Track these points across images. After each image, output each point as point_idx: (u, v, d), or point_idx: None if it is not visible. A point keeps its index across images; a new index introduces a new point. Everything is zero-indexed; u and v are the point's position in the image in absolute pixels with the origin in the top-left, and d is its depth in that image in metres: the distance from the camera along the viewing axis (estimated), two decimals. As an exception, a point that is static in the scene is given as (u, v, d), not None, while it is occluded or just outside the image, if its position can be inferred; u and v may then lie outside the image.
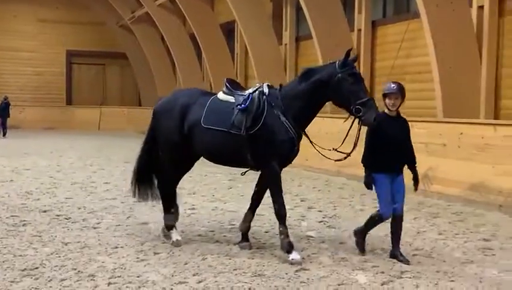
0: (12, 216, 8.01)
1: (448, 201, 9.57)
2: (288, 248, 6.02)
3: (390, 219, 6.21)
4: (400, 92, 6.03)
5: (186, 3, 22.22)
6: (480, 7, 11.30)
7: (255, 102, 6.21)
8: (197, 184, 11.09)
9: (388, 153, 6.00)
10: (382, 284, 5.34)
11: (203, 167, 11.28)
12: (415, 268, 5.83)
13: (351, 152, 6.05)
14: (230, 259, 6.08)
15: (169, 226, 6.80)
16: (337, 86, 5.93)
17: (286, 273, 5.60)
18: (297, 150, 6.27)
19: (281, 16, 18.74)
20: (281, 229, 6.13)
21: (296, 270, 5.70)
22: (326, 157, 6.25)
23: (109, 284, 5.25)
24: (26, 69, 30.66)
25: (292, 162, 6.47)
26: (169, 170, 6.82)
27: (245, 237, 6.61)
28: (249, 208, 6.68)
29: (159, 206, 8.89)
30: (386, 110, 6.08)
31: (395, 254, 6.12)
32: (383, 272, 5.69)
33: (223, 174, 11.82)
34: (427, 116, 11.48)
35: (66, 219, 7.97)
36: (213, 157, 6.63)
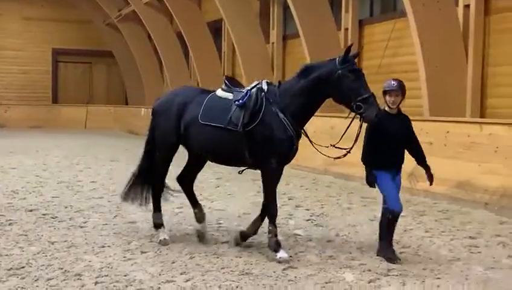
0: (-2, 215, 7.96)
1: (434, 199, 9.62)
2: (276, 247, 6.03)
3: (380, 216, 6.21)
4: (401, 89, 5.98)
5: (173, 2, 22.15)
6: (467, 6, 11.37)
7: (252, 98, 6.14)
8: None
9: (388, 151, 5.95)
10: (369, 282, 5.36)
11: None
12: (401, 266, 5.86)
13: (351, 149, 5.99)
14: (217, 258, 6.08)
15: (157, 225, 6.79)
16: (338, 82, 5.85)
17: (274, 272, 5.61)
18: (296, 149, 6.18)
19: (268, 14, 18.74)
20: (270, 228, 6.13)
21: (284, 269, 5.71)
22: (325, 156, 6.19)
23: (96, 283, 5.23)
24: (12, 67, 30.39)
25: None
26: (163, 169, 6.79)
27: (244, 238, 6.50)
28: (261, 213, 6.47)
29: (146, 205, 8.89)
30: (387, 108, 6.02)
31: (389, 254, 6.10)
32: (370, 270, 5.72)
33: (211, 173, 11.80)
34: (413, 115, 11.50)
35: (53, 218, 7.93)
36: (210, 155, 6.55)
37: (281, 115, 6.03)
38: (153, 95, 28.35)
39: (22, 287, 5.09)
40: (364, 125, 5.95)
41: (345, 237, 7.11)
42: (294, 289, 5.16)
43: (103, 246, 6.46)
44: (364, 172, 6.07)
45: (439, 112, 11.10)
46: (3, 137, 22.45)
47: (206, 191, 10.09)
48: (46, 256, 6.04)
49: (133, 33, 28.50)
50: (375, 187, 6.08)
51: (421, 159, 6.14)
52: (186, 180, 6.98)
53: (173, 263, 5.88)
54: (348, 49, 5.94)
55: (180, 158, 6.99)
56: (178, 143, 6.62)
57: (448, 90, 11.34)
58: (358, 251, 6.43)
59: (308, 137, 6.28)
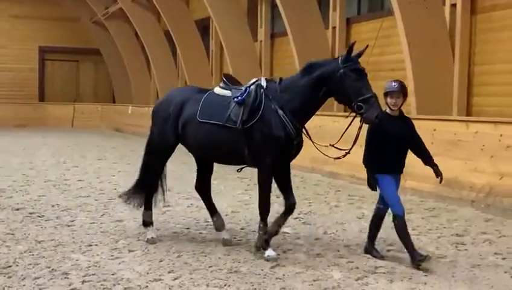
0: (-16, 214, 7.91)
1: (421, 197, 9.67)
2: (265, 244, 6.03)
3: (372, 215, 6.21)
4: (402, 90, 5.85)
5: (161, 0, 22.09)
6: (453, 5, 11.42)
7: (251, 95, 6.06)
8: (171, 181, 11.02)
9: (390, 154, 5.83)
10: (357, 280, 5.38)
11: (178, 165, 11.26)
12: (389, 263, 5.89)
13: (350, 149, 5.89)
14: (205, 256, 6.07)
15: (146, 223, 6.77)
16: (339, 81, 5.74)
17: (262, 270, 5.62)
18: (299, 146, 6.08)
19: (256, 12, 18.72)
20: (260, 225, 6.12)
21: (272, 267, 5.72)
22: (325, 155, 6.11)
23: (83, 282, 5.21)
24: (-2, 65, 30.25)
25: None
26: (158, 168, 6.77)
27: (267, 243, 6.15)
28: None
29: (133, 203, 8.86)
30: (388, 110, 5.89)
31: (370, 249, 6.16)
32: (357, 268, 5.74)
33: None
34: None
35: (40, 216, 7.89)
36: (209, 154, 6.49)
37: (281, 112, 5.95)
38: (140, 93, 28.30)
39: (9, 286, 5.06)
40: (365, 126, 5.84)
41: (333, 235, 7.13)
42: (282, 286, 5.17)
43: (90, 245, 6.44)
44: (366, 175, 5.94)
45: (426, 110, 11.16)
46: (-11, 135, 22.30)
47: (194, 190, 10.06)
48: (33, 255, 6.01)
49: (120, 31, 28.38)
50: (376, 190, 5.97)
51: (427, 159, 6.01)
52: (204, 189, 6.93)
53: (161, 261, 5.87)
54: (350, 48, 5.80)
55: (180, 158, 6.94)
56: (176, 143, 6.57)
57: (435, 89, 11.40)
58: (346, 249, 6.45)
59: (309, 135, 6.18)
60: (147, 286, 5.14)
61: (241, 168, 6.41)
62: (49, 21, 30.60)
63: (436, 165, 6.01)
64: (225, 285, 5.18)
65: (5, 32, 30.33)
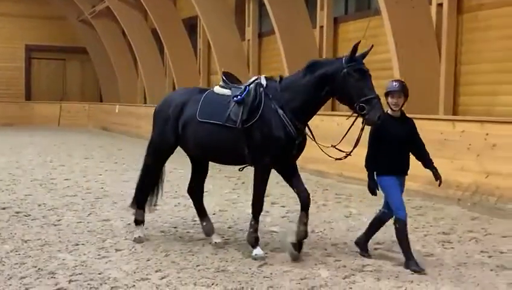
0: (-31, 214, 7.85)
1: (408, 195, 9.66)
2: (254, 242, 6.02)
3: (374, 217, 6.16)
4: (403, 90, 5.77)
5: (148, -2, 22.05)
6: (440, 5, 11.49)
7: (251, 94, 5.99)
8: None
9: (391, 156, 5.72)
10: (344, 278, 5.40)
11: (166, 164, 11.22)
12: (376, 262, 5.91)
13: (352, 151, 5.78)
14: (193, 255, 6.07)
15: (138, 221, 6.74)
16: (342, 81, 5.64)
17: (249, 269, 5.62)
18: (301, 145, 6.00)
19: (244, 11, 18.72)
20: (252, 222, 6.09)
21: (260, 266, 5.72)
22: (328, 155, 5.98)
23: (70, 281, 5.19)
24: (-16, 64, 30.03)
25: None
26: (157, 169, 6.76)
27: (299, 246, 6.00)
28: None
29: (120, 203, 8.85)
30: (389, 110, 5.80)
31: (362, 246, 6.12)
32: (345, 266, 5.76)
33: (186, 170, 11.77)
34: (388, 112, 11.62)
35: (26, 216, 7.85)
36: (208, 154, 6.43)
37: (280, 112, 5.86)
38: (127, 92, 28.20)
39: (-5, 286, 5.04)
40: (367, 128, 5.74)
41: (320, 234, 7.14)
42: (270, 285, 5.18)
43: (77, 244, 6.41)
44: (367, 178, 5.83)
45: (413, 109, 11.13)
46: (-26, 134, 22.14)
47: (182, 189, 10.05)
48: (19, 254, 5.98)
49: (107, 29, 28.27)
50: (376, 195, 5.84)
51: (427, 162, 5.91)
52: (196, 192, 6.90)
53: (148, 260, 5.85)
54: (355, 48, 5.69)
55: (179, 158, 6.92)
56: (176, 144, 6.53)
57: (421, 88, 11.44)
58: (334, 247, 6.47)
59: (312, 135, 6.08)
60: (134, 285, 5.12)
61: (243, 168, 6.31)
62: (35, 19, 30.42)
63: (435, 168, 5.91)
64: (212, 284, 5.18)
65: (-8, 31, 30.14)
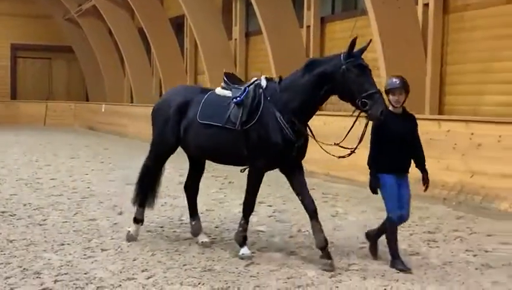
0: (-46, 214, 7.79)
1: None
2: (242, 241, 6.02)
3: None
4: (404, 86, 5.69)
5: (134, -3, 21.97)
6: (426, 5, 11.55)
7: (250, 95, 5.94)
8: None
9: (393, 153, 5.64)
10: (330, 277, 5.42)
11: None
12: (362, 261, 5.93)
13: (355, 148, 5.71)
14: (179, 254, 6.06)
15: (137, 220, 6.69)
16: (342, 77, 5.55)
17: (236, 268, 5.62)
18: (302, 148, 5.93)
19: (231, 10, 18.72)
20: (242, 222, 6.09)
21: (246, 265, 5.72)
22: (329, 154, 5.93)
23: (56, 281, 5.16)
24: (-31, 62, 29.81)
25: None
26: (157, 169, 6.73)
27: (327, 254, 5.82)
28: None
29: (106, 203, 8.82)
30: (391, 107, 5.69)
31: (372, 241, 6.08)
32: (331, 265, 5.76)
33: (173, 169, 11.75)
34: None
35: (11, 215, 7.80)
36: (209, 155, 6.41)
37: (278, 114, 5.80)
38: (114, 91, 28.09)
39: (-21, 287, 5.00)
40: (369, 126, 5.66)
41: (307, 233, 7.14)
42: (256, 284, 5.18)
43: (63, 244, 6.38)
44: (369, 176, 5.76)
45: (399, 109, 11.26)
46: (-41, 134, 21.95)
47: (169, 188, 10.04)
48: (4, 254, 5.94)
49: (94, 28, 28.14)
50: (377, 193, 5.77)
51: (420, 162, 5.83)
52: (192, 190, 6.88)
53: (134, 260, 5.84)
54: (352, 44, 5.61)
55: (178, 159, 6.88)
56: (177, 144, 6.49)
57: (408, 88, 11.50)
58: (320, 247, 6.47)
59: (312, 134, 6.02)
60: (120, 285, 5.10)
61: (244, 169, 6.23)
62: (21, 18, 30.22)
63: (426, 171, 5.87)
64: (199, 283, 5.17)
65: (-23, 30, 29.91)
